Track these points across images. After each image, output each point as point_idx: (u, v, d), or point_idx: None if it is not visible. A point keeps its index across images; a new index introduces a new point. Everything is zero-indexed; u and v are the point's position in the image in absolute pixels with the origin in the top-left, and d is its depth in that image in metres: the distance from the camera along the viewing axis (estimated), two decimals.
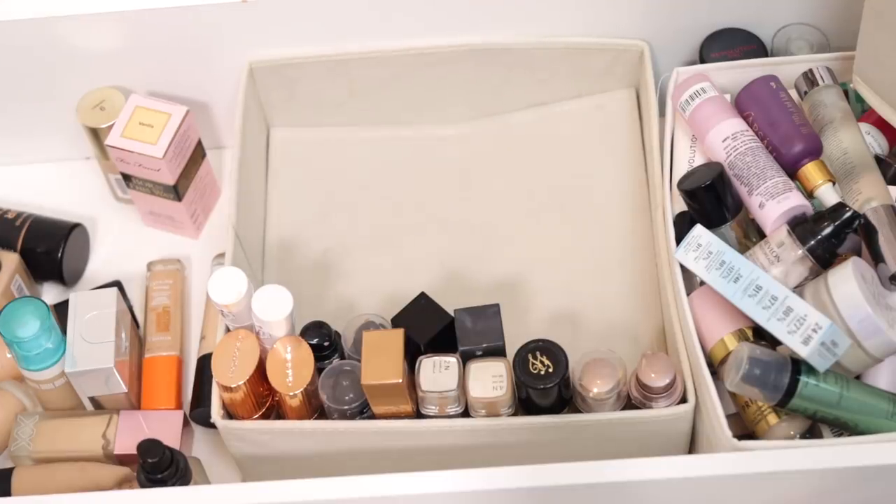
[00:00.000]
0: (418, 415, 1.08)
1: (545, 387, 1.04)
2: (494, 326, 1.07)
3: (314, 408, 1.09)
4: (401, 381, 1.04)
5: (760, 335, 1.06)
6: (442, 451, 1.08)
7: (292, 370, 1.06)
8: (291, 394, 1.06)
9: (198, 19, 1.23)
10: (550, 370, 1.05)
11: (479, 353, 1.07)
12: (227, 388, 1.06)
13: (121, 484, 1.15)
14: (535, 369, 1.05)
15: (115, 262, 1.32)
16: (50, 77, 1.28)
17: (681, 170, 1.16)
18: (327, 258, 1.26)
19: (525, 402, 1.07)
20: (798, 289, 1.04)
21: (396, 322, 1.10)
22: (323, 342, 1.09)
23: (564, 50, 1.27)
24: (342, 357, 1.11)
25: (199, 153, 1.29)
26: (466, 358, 1.07)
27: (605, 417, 1.06)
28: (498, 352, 1.07)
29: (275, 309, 1.06)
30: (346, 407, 1.07)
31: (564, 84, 1.30)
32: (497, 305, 1.08)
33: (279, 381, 1.06)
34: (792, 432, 1.03)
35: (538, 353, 1.05)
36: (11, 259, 1.25)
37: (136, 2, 1.22)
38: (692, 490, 0.98)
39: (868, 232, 1.06)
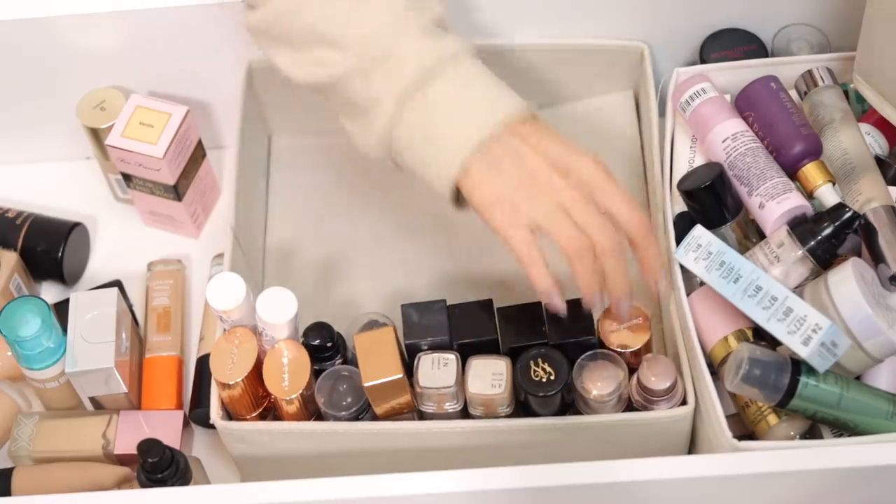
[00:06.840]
0: (418, 412, 1.08)
1: (545, 394, 1.04)
2: (440, 321, 1.08)
3: (311, 412, 1.08)
4: (402, 375, 1.04)
5: (760, 335, 1.06)
6: (442, 452, 1.08)
7: (289, 375, 1.06)
8: (287, 398, 1.06)
9: (198, 19, 1.23)
10: (552, 377, 1.05)
11: (426, 346, 1.07)
12: (224, 385, 1.06)
13: (121, 484, 1.15)
14: (537, 376, 1.05)
15: (115, 262, 1.32)
16: (50, 77, 1.28)
17: (681, 170, 1.16)
18: (328, 259, 1.26)
19: (525, 404, 1.07)
20: (798, 289, 1.04)
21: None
22: (325, 343, 1.09)
23: (564, 51, 1.27)
24: (345, 358, 1.11)
25: (199, 153, 1.29)
26: (413, 352, 1.07)
27: (605, 419, 1.06)
28: (444, 346, 1.07)
29: (279, 311, 1.05)
30: (343, 412, 1.07)
31: (564, 85, 1.30)
32: (443, 301, 1.09)
33: (275, 386, 1.06)
34: (792, 433, 1.03)
35: (540, 361, 1.05)
36: (10, 258, 1.24)
37: (136, 2, 1.22)
38: (692, 490, 0.98)
39: (868, 232, 1.06)
